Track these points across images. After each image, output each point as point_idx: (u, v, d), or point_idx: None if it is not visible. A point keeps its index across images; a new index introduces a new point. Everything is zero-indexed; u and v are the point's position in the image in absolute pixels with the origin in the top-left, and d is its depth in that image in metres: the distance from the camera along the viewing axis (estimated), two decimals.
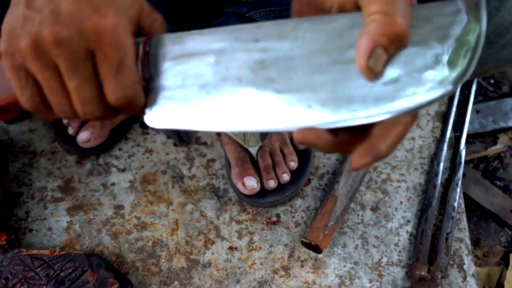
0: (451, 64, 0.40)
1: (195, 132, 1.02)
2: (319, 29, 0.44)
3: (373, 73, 0.40)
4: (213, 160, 0.99)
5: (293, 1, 0.51)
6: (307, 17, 0.46)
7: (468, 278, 0.88)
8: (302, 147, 0.96)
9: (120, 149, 1.00)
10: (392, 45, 0.40)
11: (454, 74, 0.40)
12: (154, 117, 0.46)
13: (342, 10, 0.45)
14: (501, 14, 0.68)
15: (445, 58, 0.40)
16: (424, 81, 0.40)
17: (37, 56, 0.44)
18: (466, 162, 1.00)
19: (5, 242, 0.87)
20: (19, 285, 0.82)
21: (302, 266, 0.89)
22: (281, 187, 0.93)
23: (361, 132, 0.44)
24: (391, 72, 0.41)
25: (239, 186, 0.91)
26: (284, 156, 0.94)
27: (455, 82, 0.40)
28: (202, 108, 0.45)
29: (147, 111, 0.47)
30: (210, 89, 0.45)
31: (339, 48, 0.43)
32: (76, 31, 0.43)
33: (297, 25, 0.45)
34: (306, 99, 0.43)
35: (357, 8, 0.43)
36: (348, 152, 0.45)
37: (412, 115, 0.43)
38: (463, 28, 0.41)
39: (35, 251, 0.85)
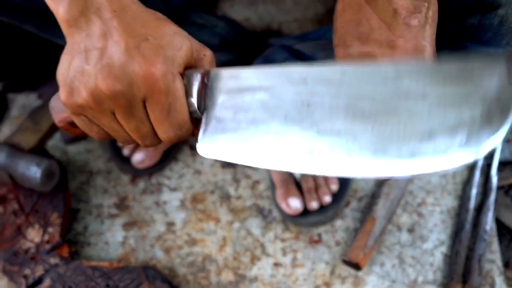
0: (486, 124, 0.41)
1: None
2: (365, 76, 0.47)
3: None
4: (258, 182, 1.06)
5: (335, 30, 0.56)
6: (354, 63, 0.49)
7: None
8: None
9: (171, 170, 1.07)
10: None
11: (487, 134, 0.41)
12: (206, 148, 0.50)
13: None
14: None
15: (482, 117, 0.42)
16: (458, 141, 0.42)
17: (95, 106, 0.49)
18: (497, 188, 1.05)
19: (68, 254, 0.94)
20: None
21: (343, 283, 0.94)
22: (322, 208, 0.99)
23: None
24: (428, 126, 0.43)
25: (284, 206, 0.97)
26: (325, 179, 1.00)
27: (485, 144, 0.41)
28: (249, 144, 0.48)
29: (200, 140, 0.50)
30: (258, 125, 0.48)
31: (383, 97, 0.45)
32: (128, 83, 0.48)
33: (344, 70, 0.48)
34: (346, 144, 0.45)
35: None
36: None
37: None
38: (503, 91, 0.42)
39: (95, 263, 0.92)
